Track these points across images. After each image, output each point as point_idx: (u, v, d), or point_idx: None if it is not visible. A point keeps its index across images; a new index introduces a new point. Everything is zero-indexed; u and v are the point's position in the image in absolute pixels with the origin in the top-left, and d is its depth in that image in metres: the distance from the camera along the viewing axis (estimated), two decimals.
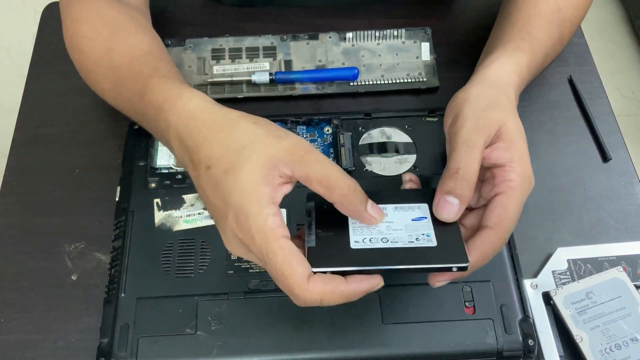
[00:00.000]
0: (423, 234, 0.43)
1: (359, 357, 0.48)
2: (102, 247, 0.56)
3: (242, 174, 0.40)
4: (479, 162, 0.44)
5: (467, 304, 0.50)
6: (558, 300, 0.51)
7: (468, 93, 0.49)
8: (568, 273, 0.54)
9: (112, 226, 0.55)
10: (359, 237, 0.43)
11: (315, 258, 0.42)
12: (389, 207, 0.45)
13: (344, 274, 0.41)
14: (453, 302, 0.50)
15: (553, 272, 0.54)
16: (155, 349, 0.48)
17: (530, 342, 0.49)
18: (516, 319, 0.49)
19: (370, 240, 0.43)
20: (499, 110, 0.47)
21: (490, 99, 0.48)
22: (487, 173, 0.46)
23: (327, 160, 0.41)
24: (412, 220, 0.44)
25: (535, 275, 0.54)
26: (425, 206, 0.45)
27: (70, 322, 0.53)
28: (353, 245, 0.43)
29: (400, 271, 0.42)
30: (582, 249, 0.55)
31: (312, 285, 0.39)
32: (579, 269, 0.54)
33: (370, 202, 0.42)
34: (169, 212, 0.54)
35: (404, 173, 0.50)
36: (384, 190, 0.48)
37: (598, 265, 0.54)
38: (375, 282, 0.41)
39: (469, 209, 0.46)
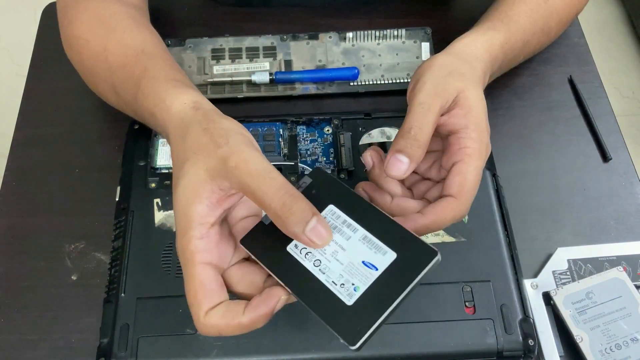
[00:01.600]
0: (352, 285, 0.38)
1: (359, 357, 0.48)
2: (102, 247, 0.56)
3: (178, 191, 0.39)
4: (433, 125, 0.44)
5: (467, 304, 0.50)
6: (558, 300, 0.51)
7: (432, 61, 0.49)
8: (568, 273, 0.54)
9: (112, 226, 0.55)
10: (300, 246, 0.40)
11: (252, 236, 0.40)
12: (360, 232, 0.40)
13: (258, 263, 0.40)
14: (453, 302, 0.50)
15: (553, 272, 0.54)
16: (155, 349, 0.48)
17: (531, 342, 0.49)
18: (516, 319, 0.49)
19: (306, 255, 0.39)
20: (460, 78, 0.47)
21: (452, 67, 0.48)
22: (445, 143, 0.46)
23: (261, 172, 0.37)
24: (362, 262, 0.38)
25: (535, 275, 0.54)
26: (391, 257, 0.38)
27: (70, 322, 0.53)
28: (288, 248, 0.40)
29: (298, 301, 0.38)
30: (582, 249, 0.55)
31: (207, 319, 0.38)
32: (579, 269, 0.54)
33: (315, 220, 0.37)
34: (169, 212, 0.54)
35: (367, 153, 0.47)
36: (376, 211, 0.41)
37: (598, 265, 0.54)
38: (273, 303, 0.38)
39: (433, 182, 0.46)
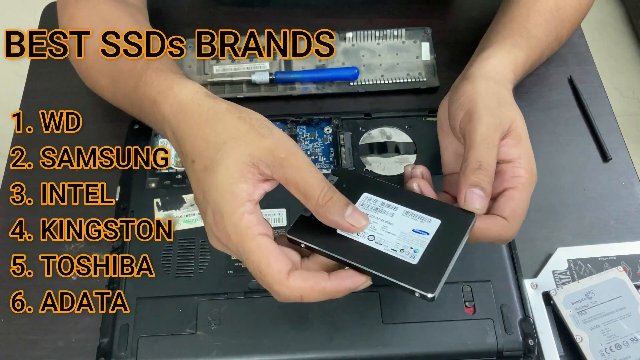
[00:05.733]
0: (411, 248, 0.42)
1: (359, 357, 0.48)
2: (102, 247, 0.56)
3: (220, 171, 0.40)
4: (496, 159, 0.46)
5: (467, 303, 0.50)
6: (558, 300, 0.51)
7: (478, 88, 0.49)
8: (568, 273, 0.54)
9: (112, 226, 0.55)
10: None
11: (298, 227, 0.42)
12: (400, 209, 0.44)
13: (313, 250, 0.42)
14: (453, 302, 0.50)
15: (553, 272, 0.54)
16: (155, 349, 0.48)
17: (530, 342, 0.49)
18: (516, 319, 0.49)
19: (358, 234, 0.42)
20: (509, 107, 0.49)
21: (499, 95, 0.49)
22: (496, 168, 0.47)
23: (308, 166, 0.40)
24: (413, 230, 0.43)
25: (535, 275, 0.54)
26: (436, 223, 0.43)
27: (70, 322, 0.53)
28: (339, 230, 0.42)
29: (365, 272, 0.41)
30: (582, 249, 0.55)
31: (291, 281, 0.39)
32: (579, 269, 0.54)
33: (350, 208, 0.40)
34: (169, 212, 0.54)
35: (412, 166, 0.48)
36: (408, 192, 0.46)
37: (598, 265, 0.54)
38: (360, 281, 0.40)
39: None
